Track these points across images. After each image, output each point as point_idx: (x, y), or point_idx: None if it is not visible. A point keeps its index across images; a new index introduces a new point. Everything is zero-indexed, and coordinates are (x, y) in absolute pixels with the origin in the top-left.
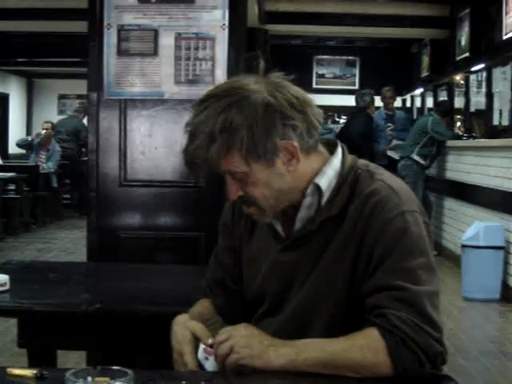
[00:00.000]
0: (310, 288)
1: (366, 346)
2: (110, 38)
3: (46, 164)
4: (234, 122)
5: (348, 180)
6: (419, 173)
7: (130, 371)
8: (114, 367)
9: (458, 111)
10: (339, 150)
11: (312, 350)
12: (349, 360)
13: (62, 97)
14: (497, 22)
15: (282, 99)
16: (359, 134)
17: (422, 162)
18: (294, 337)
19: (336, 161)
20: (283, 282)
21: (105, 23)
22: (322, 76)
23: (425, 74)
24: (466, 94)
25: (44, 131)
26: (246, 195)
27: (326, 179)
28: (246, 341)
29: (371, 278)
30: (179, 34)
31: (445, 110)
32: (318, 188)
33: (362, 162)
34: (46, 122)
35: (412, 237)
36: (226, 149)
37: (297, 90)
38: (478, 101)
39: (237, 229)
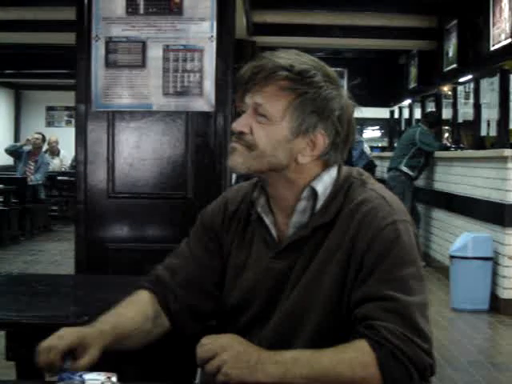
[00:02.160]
0: (298, 295)
1: (355, 360)
2: (98, 50)
3: (34, 176)
4: (314, 78)
5: (343, 188)
6: (407, 184)
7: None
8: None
9: (446, 122)
10: None
11: (300, 366)
12: (338, 375)
13: (50, 108)
14: (484, 34)
15: (351, 112)
16: None
17: (411, 173)
18: (281, 344)
19: (333, 169)
20: (273, 289)
21: (93, 35)
22: None
23: (412, 85)
24: (454, 105)
25: (32, 138)
26: (248, 134)
27: (323, 185)
28: (233, 361)
29: (362, 286)
30: (167, 45)
31: (432, 121)
32: (313, 193)
33: (357, 170)
34: (37, 133)
35: (403, 246)
36: (287, 86)
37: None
38: (466, 112)
39: (226, 234)
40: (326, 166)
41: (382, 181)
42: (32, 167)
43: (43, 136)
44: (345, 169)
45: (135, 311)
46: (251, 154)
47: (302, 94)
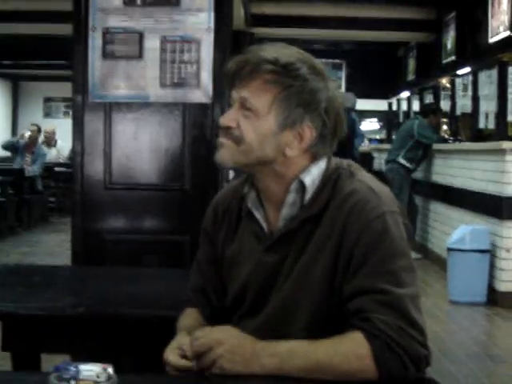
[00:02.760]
0: (289, 287)
1: (351, 352)
2: (95, 41)
3: (31, 167)
4: (299, 71)
5: (331, 180)
6: (405, 176)
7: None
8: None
9: (445, 115)
10: None
11: (296, 358)
12: (334, 367)
13: (47, 100)
14: (483, 26)
15: (338, 104)
16: (345, 138)
17: (408, 165)
18: (274, 335)
19: (322, 161)
20: (265, 282)
21: (90, 26)
22: None
23: (411, 77)
24: (452, 98)
25: (28, 134)
26: (236, 128)
27: (311, 177)
28: (228, 355)
29: (353, 279)
30: (164, 36)
31: (427, 111)
32: (301, 185)
33: (347, 162)
34: (32, 125)
35: (393, 238)
36: (272, 79)
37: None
38: (464, 104)
39: (218, 233)
40: (314, 159)
41: (379, 173)
42: (29, 159)
43: (38, 127)
44: (334, 160)
45: (188, 319)
46: (239, 149)
47: (288, 87)
